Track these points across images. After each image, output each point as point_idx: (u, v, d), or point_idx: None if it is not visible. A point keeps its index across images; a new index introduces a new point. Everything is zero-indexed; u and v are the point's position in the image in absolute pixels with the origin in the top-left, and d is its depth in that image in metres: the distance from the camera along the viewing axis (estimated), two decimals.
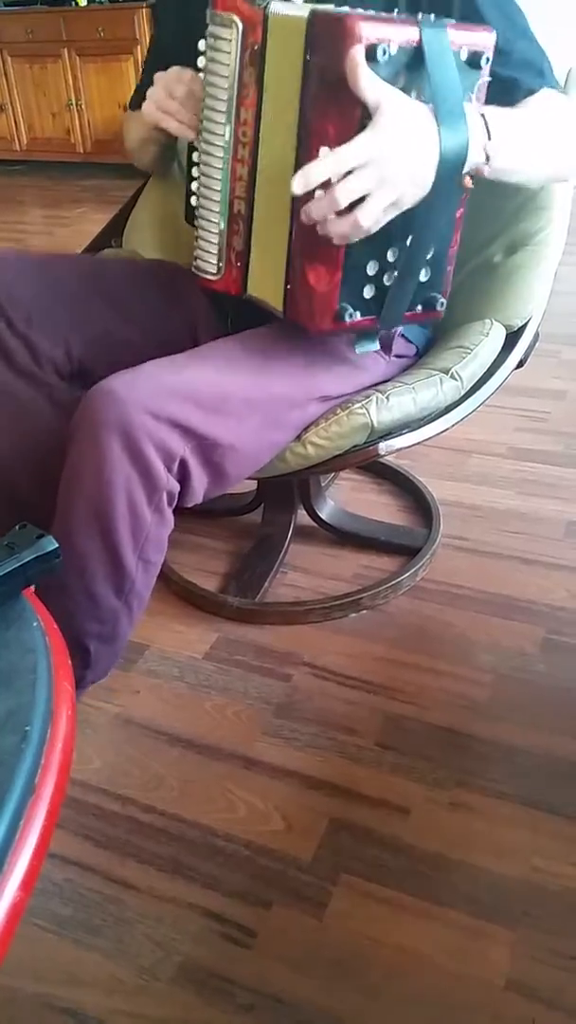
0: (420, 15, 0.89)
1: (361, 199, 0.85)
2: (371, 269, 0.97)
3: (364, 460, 1.19)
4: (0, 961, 0.43)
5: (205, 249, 1.10)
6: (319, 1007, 0.90)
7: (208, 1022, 0.89)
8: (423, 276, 1.02)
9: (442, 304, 1.05)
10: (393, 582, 1.48)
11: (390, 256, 0.97)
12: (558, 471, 1.84)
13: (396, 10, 1.05)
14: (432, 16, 0.90)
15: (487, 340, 1.23)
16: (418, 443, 1.18)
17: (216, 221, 1.07)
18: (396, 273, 0.98)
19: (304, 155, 0.93)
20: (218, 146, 1.03)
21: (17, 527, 0.65)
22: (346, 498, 1.76)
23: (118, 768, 1.18)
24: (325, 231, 0.88)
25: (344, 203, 0.85)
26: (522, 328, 1.28)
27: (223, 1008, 0.90)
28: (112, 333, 1.18)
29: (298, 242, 0.98)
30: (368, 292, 0.98)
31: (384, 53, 0.85)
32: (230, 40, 0.97)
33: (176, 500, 1.01)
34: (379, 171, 0.84)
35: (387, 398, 1.13)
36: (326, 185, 0.85)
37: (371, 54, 0.84)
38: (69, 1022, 0.89)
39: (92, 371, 1.18)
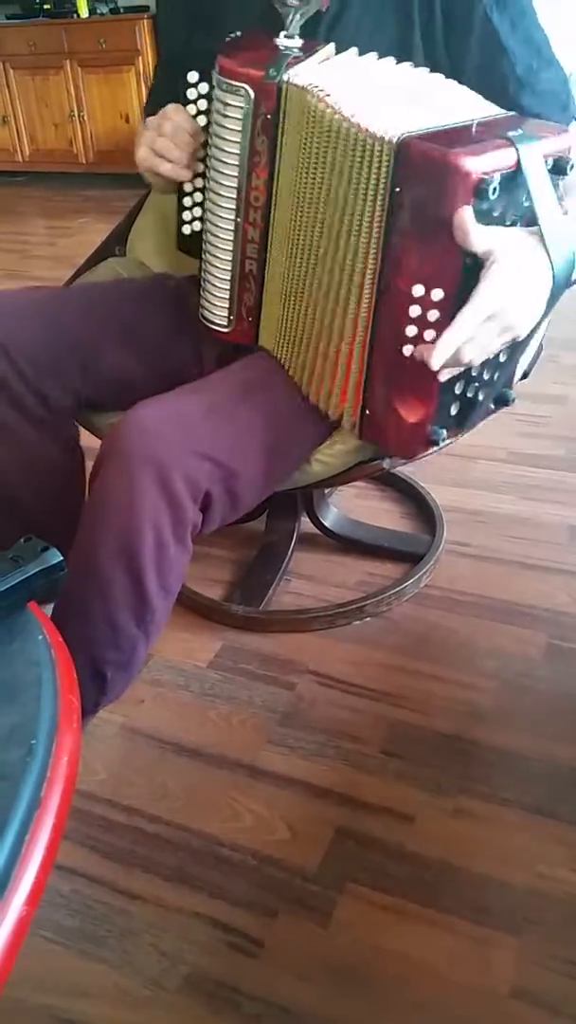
0: (509, 134, 0.85)
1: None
2: (458, 389, 0.94)
3: (369, 474, 1.19)
4: (7, 973, 0.43)
5: (213, 303, 1.10)
6: (325, 1016, 0.90)
7: None
8: (503, 383, 1.01)
9: (513, 399, 1.04)
10: (397, 589, 1.48)
11: (485, 375, 0.96)
12: (560, 475, 1.84)
13: (411, 45, 1.04)
14: (518, 126, 0.87)
15: None
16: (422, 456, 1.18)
17: (224, 279, 1.07)
18: (479, 386, 0.96)
19: (392, 286, 0.89)
20: (227, 208, 1.02)
21: (22, 540, 0.65)
22: (349, 505, 1.77)
23: (123, 778, 1.18)
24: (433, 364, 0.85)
25: (468, 358, 0.85)
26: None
27: (230, 1018, 0.90)
28: (119, 366, 1.18)
29: (381, 370, 0.95)
30: (454, 409, 0.96)
31: (494, 191, 0.81)
32: (240, 108, 0.96)
33: (199, 530, 1.01)
34: (501, 323, 0.84)
35: None
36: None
37: (481, 192, 0.81)
38: None
39: (99, 401, 1.19)
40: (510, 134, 0.85)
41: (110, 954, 0.96)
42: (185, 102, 1.05)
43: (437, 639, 1.41)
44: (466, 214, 0.81)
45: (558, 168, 0.88)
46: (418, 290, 0.86)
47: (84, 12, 4.67)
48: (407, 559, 1.58)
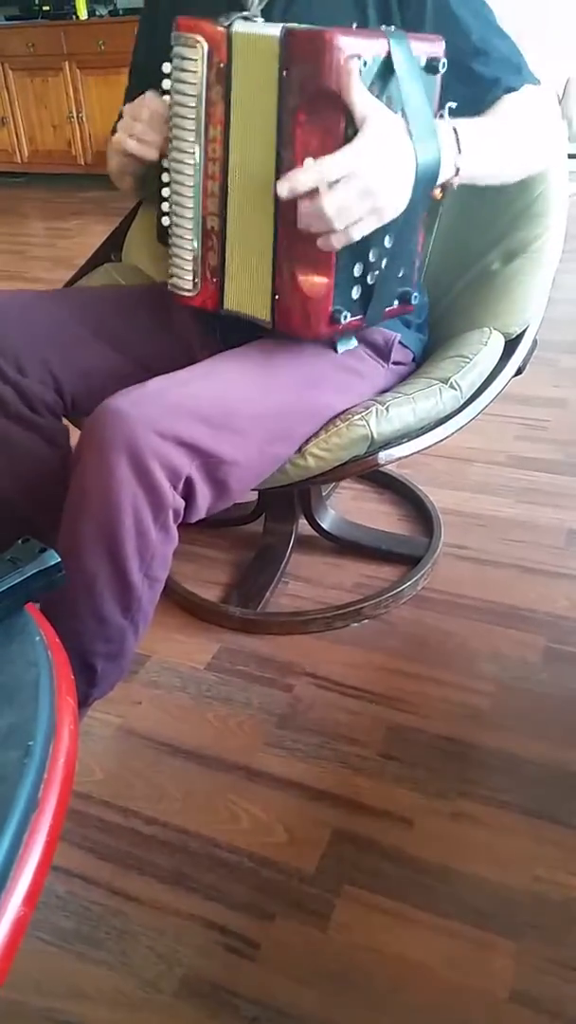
0: (383, 27, 0.93)
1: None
2: (357, 270, 1.00)
3: (364, 470, 1.19)
4: (4, 975, 0.43)
5: (179, 267, 1.11)
6: (322, 1019, 0.90)
7: None
8: (400, 272, 1.05)
9: (415, 297, 1.09)
10: (394, 591, 1.48)
11: (372, 256, 1.00)
12: (558, 479, 1.84)
13: (367, 17, 1.08)
14: (392, 27, 0.95)
15: (485, 349, 1.23)
16: (417, 452, 1.19)
17: (190, 238, 1.08)
18: (379, 272, 1.01)
19: (288, 167, 0.94)
20: (188, 164, 1.04)
21: (20, 541, 0.65)
22: (347, 507, 1.77)
23: (120, 780, 1.18)
24: (309, 227, 0.91)
25: (329, 211, 0.87)
26: (520, 336, 1.28)
27: (227, 1021, 0.90)
28: (104, 366, 1.18)
29: (284, 250, 1.00)
30: (356, 293, 1.01)
31: (365, 64, 0.88)
32: (195, 60, 0.98)
33: (181, 517, 1.01)
34: (362, 183, 0.87)
35: (387, 409, 1.13)
36: (312, 194, 0.88)
37: (353, 67, 0.87)
38: None
39: (85, 401, 1.19)
40: (383, 28, 0.93)
41: (107, 956, 0.96)
42: (161, 92, 1.07)
43: (435, 642, 1.40)
44: (351, 68, 0.86)
45: (430, 66, 0.96)
46: (308, 163, 0.89)
47: (83, 14, 4.68)
48: (405, 562, 1.58)
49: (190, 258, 1.09)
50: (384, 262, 1.01)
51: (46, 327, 1.16)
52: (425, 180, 0.93)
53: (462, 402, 1.21)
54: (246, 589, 1.52)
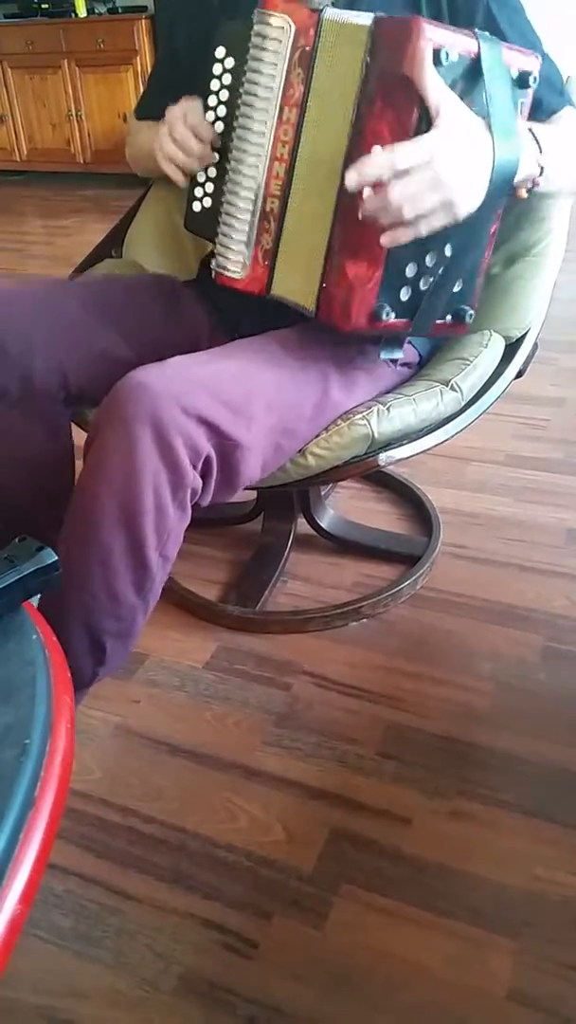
0: (476, 30, 0.91)
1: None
2: (410, 271, 0.97)
3: (364, 471, 1.19)
4: (0, 973, 0.43)
5: (229, 247, 1.09)
6: (320, 1018, 0.90)
7: None
8: (456, 286, 1.02)
9: (471, 316, 1.06)
10: (393, 590, 1.48)
11: (428, 261, 0.97)
12: (557, 478, 1.84)
13: None
14: (487, 32, 0.92)
15: (486, 351, 1.23)
16: (418, 453, 1.19)
17: (245, 219, 1.06)
18: (433, 279, 0.98)
19: (356, 155, 0.91)
20: (258, 144, 1.03)
21: (17, 540, 0.65)
22: (346, 506, 1.77)
23: (118, 778, 1.18)
24: (375, 223, 0.89)
25: (397, 198, 0.85)
26: (521, 339, 1.28)
27: (224, 1019, 0.90)
28: (112, 355, 1.17)
29: (339, 239, 0.98)
30: (405, 294, 0.98)
31: (447, 57, 0.86)
32: (280, 40, 0.98)
33: (197, 496, 1.00)
34: (434, 173, 0.85)
35: (388, 409, 1.13)
36: (379, 184, 0.86)
37: (435, 57, 0.86)
38: None
39: (90, 389, 1.18)
40: (478, 31, 0.91)
41: (105, 954, 0.96)
42: (210, 78, 1.06)
43: (433, 641, 1.40)
44: (425, 52, 0.85)
45: (522, 79, 0.94)
46: (376, 150, 0.88)
47: (82, 12, 4.67)
48: (403, 561, 1.58)
49: (243, 239, 1.07)
50: (441, 269, 0.97)
51: (55, 315, 1.15)
52: (501, 179, 0.90)
53: (463, 404, 1.21)
54: (245, 588, 1.52)
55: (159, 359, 1.10)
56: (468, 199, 0.89)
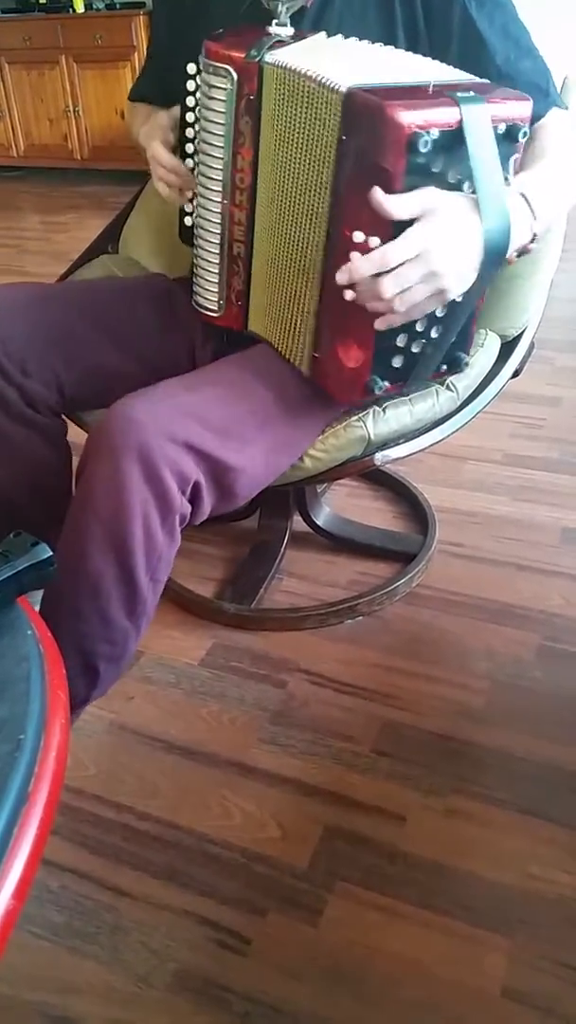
0: (458, 94, 0.85)
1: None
2: (401, 341, 0.96)
3: (360, 471, 1.19)
4: None
5: (204, 287, 1.11)
6: (314, 1014, 0.90)
7: None
8: (451, 339, 1.00)
9: (467, 363, 1.05)
10: (389, 588, 1.48)
11: (419, 326, 0.95)
12: (553, 477, 1.84)
13: (395, 36, 1.06)
14: (471, 92, 0.86)
15: (482, 351, 1.23)
16: (414, 453, 1.19)
17: (214, 262, 1.08)
18: (426, 341, 0.97)
19: (336, 233, 0.92)
20: (215, 191, 1.03)
21: (12, 535, 0.65)
22: (342, 504, 1.76)
23: (113, 775, 1.17)
24: (366, 305, 0.88)
25: (390, 294, 0.85)
26: (517, 338, 1.28)
27: (218, 1016, 0.90)
28: (107, 365, 1.17)
29: (327, 316, 0.98)
30: (397, 362, 0.98)
31: (426, 145, 0.81)
32: (224, 88, 0.97)
33: (187, 521, 1.01)
34: (425, 266, 0.84)
35: (384, 411, 1.13)
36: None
37: (413, 143, 0.81)
38: None
39: (87, 399, 1.18)
40: (459, 95, 0.84)
41: (99, 951, 0.96)
42: (185, 93, 1.06)
43: (429, 639, 1.40)
44: (378, 195, 0.82)
45: (510, 134, 0.88)
46: (358, 236, 0.88)
47: (80, 7, 4.66)
48: (399, 559, 1.58)
49: (215, 280, 1.09)
50: (434, 330, 0.97)
51: (50, 326, 1.15)
52: (493, 256, 0.88)
53: (459, 403, 1.21)
54: (240, 585, 1.51)
55: (152, 367, 1.10)
56: (460, 284, 0.88)
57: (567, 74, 1.24)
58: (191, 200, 1.12)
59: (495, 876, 1.02)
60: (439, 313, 0.95)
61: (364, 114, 0.85)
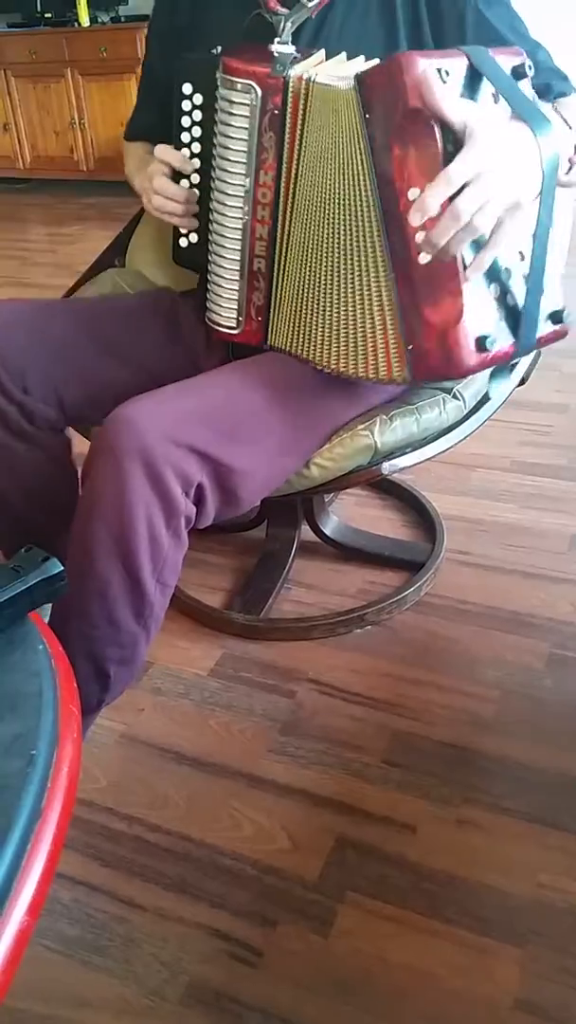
0: (459, 47, 0.87)
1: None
2: (494, 291, 0.91)
3: (368, 480, 1.19)
4: (8, 984, 0.43)
5: (221, 305, 1.10)
6: None
7: None
8: (545, 288, 0.96)
9: (567, 315, 0.98)
10: (397, 597, 1.48)
11: (504, 277, 0.92)
12: (562, 485, 1.84)
13: (397, 42, 1.07)
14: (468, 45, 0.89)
15: None
16: (421, 462, 1.19)
17: (233, 279, 1.07)
18: (519, 293, 0.93)
19: (392, 207, 0.90)
20: (235, 207, 1.03)
21: (23, 550, 0.65)
22: (350, 513, 1.77)
23: (124, 787, 1.18)
24: (448, 253, 0.85)
25: (467, 215, 0.82)
26: None
27: None
28: (108, 380, 1.17)
29: (407, 294, 0.93)
30: (500, 316, 0.93)
31: (448, 74, 0.84)
32: (247, 105, 0.97)
33: (193, 523, 1.01)
34: (492, 179, 0.82)
35: (390, 419, 1.13)
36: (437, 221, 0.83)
37: (434, 79, 0.82)
38: None
39: (90, 418, 1.19)
40: (459, 48, 0.88)
41: (111, 964, 0.96)
42: (180, 113, 1.06)
43: (438, 648, 1.40)
44: (430, 79, 0.82)
45: (517, 73, 0.89)
46: (413, 194, 0.86)
47: (85, 21, 4.69)
48: (408, 567, 1.57)
49: (234, 298, 1.09)
50: (522, 277, 0.93)
51: (51, 341, 1.15)
52: (553, 160, 0.86)
53: (466, 412, 1.21)
54: (249, 595, 1.52)
55: (155, 380, 1.10)
56: (529, 190, 0.86)
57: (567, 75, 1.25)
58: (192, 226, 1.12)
59: (506, 886, 1.02)
60: (521, 257, 0.92)
61: (379, 77, 0.86)
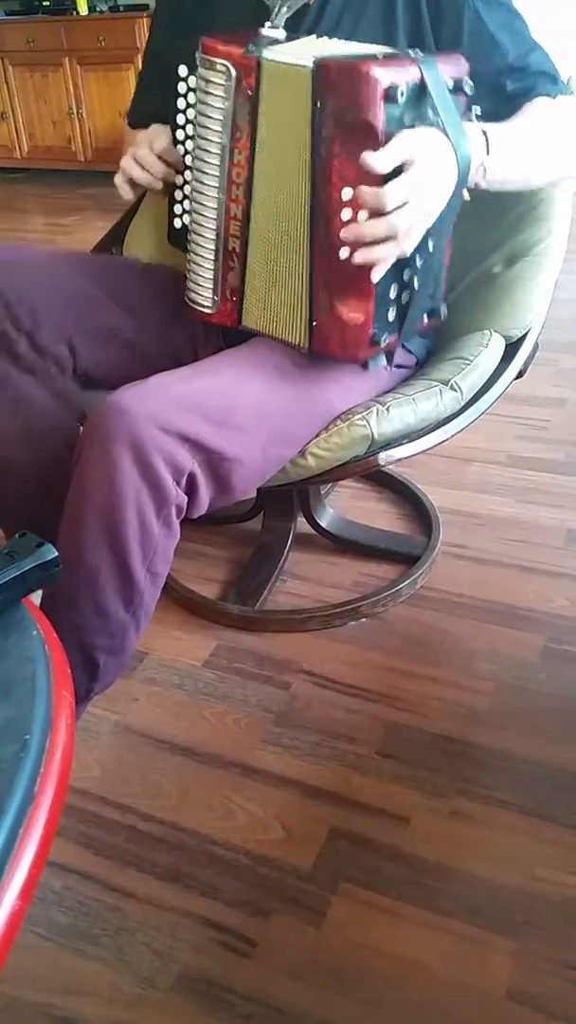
0: (409, 51, 0.95)
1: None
2: (393, 292, 1.00)
3: (364, 471, 1.19)
4: None
5: (199, 284, 1.11)
6: (318, 1016, 0.89)
7: None
8: (430, 290, 1.05)
9: (444, 313, 1.10)
10: (393, 590, 1.48)
11: (405, 277, 1.00)
12: (558, 479, 1.84)
13: (396, 37, 1.08)
14: (417, 50, 0.96)
15: (486, 351, 1.23)
16: (418, 453, 1.19)
17: (209, 258, 1.08)
18: (410, 292, 1.01)
19: (324, 196, 0.95)
20: (211, 186, 1.04)
21: (17, 535, 0.65)
22: (346, 506, 1.76)
23: (118, 776, 1.17)
24: (368, 259, 0.91)
25: (398, 231, 0.88)
26: (521, 339, 1.28)
27: (222, 1018, 0.89)
28: (116, 330, 1.19)
29: (323, 279, 1.00)
30: (392, 315, 1.02)
31: (401, 95, 0.89)
32: (222, 84, 0.98)
33: (184, 512, 1.01)
34: (425, 200, 0.90)
35: (387, 409, 1.13)
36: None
37: (391, 96, 0.88)
38: None
39: (95, 369, 1.18)
40: (413, 55, 0.94)
41: (103, 952, 0.96)
42: (175, 96, 1.07)
43: (433, 641, 1.40)
44: (367, 157, 0.86)
45: (458, 87, 0.97)
46: (347, 193, 0.92)
47: (83, 10, 4.67)
48: (403, 561, 1.57)
49: (210, 277, 1.09)
50: (416, 281, 1.01)
51: (68, 283, 1.16)
52: (463, 173, 0.94)
53: (463, 404, 1.21)
54: (244, 587, 1.51)
55: (161, 346, 1.10)
56: (440, 202, 0.93)
57: (570, 75, 1.25)
58: (180, 202, 1.12)
59: (499, 878, 1.02)
60: (419, 263, 0.99)
61: (341, 78, 0.90)
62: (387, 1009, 0.90)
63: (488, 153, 0.98)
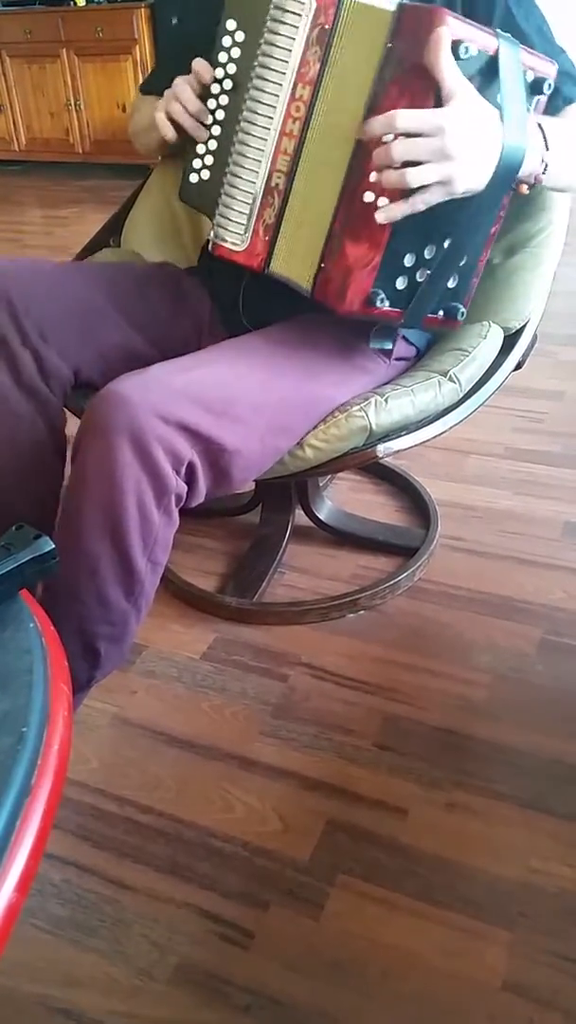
0: (497, 30, 0.92)
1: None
2: (408, 261, 0.98)
3: (362, 462, 1.19)
4: None
5: (230, 218, 1.08)
6: (316, 1007, 0.90)
7: (205, 1023, 0.89)
8: (451, 283, 1.03)
9: (463, 315, 1.07)
10: (391, 582, 1.48)
11: (427, 253, 0.98)
12: (556, 471, 1.84)
13: None
14: (508, 34, 0.93)
15: (485, 342, 1.22)
16: (416, 445, 1.18)
17: (249, 190, 1.06)
18: (430, 272, 0.99)
19: (367, 137, 0.94)
20: (267, 117, 1.02)
21: (14, 528, 0.65)
22: (344, 498, 1.76)
23: (116, 769, 1.18)
24: (388, 182, 0.90)
25: (399, 158, 0.87)
26: (520, 330, 1.28)
27: (220, 1009, 0.90)
28: (122, 345, 1.18)
29: (342, 220, 0.99)
30: (401, 283, 1.00)
31: (466, 51, 0.88)
32: (299, 15, 0.97)
33: (183, 501, 1.01)
34: (442, 143, 0.87)
35: (386, 401, 1.13)
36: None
37: (454, 49, 0.87)
38: (66, 1023, 0.89)
39: (98, 380, 1.18)
40: (499, 32, 0.92)
41: (101, 944, 0.96)
42: (217, 50, 1.05)
43: (431, 633, 1.40)
44: (444, 39, 0.85)
45: (536, 84, 0.95)
46: (387, 137, 0.90)
47: (81, 1, 4.65)
48: (401, 553, 1.57)
49: (245, 212, 1.07)
50: (437, 262, 0.99)
51: (71, 299, 1.16)
52: (507, 167, 0.92)
53: (461, 395, 1.21)
54: (242, 579, 1.51)
55: (165, 348, 1.09)
56: (469, 179, 0.90)
57: None
58: (201, 156, 1.11)
59: (496, 869, 1.02)
60: (446, 244, 0.97)
61: (414, 18, 0.89)
62: (384, 1000, 0.90)
63: (547, 148, 0.97)
